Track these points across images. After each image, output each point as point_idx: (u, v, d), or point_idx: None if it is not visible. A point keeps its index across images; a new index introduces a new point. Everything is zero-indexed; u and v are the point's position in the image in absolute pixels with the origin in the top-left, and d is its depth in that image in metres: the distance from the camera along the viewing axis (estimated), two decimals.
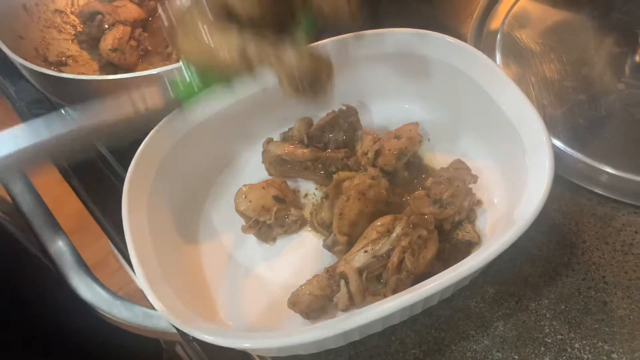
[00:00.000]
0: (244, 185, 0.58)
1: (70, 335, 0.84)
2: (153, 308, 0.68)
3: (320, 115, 0.63)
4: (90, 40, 0.78)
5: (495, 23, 0.78)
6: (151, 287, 0.47)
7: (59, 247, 0.75)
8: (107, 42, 0.75)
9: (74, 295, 0.70)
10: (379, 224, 0.53)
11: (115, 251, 0.98)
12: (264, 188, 0.58)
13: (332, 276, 0.51)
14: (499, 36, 0.76)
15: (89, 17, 0.78)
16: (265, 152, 0.61)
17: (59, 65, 0.76)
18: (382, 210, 0.56)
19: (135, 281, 0.94)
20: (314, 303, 0.52)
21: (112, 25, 0.76)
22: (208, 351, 0.61)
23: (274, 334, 0.45)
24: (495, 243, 0.46)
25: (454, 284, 0.46)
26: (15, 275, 0.81)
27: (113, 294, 0.71)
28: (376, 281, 0.54)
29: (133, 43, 0.76)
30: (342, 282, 0.51)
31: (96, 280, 0.72)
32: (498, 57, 0.73)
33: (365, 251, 0.52)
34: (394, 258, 0.50)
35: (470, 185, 0.56)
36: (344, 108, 0.61)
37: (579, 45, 0.73)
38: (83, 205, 0.75)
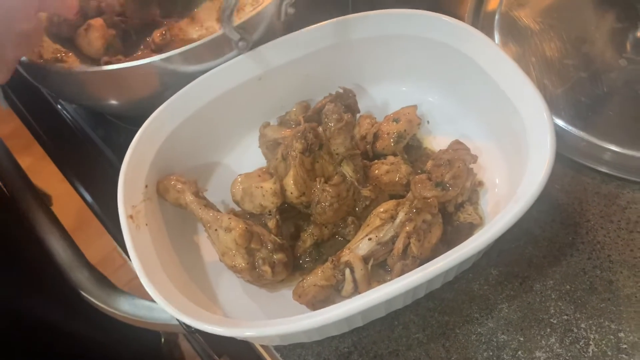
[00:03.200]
0: (239, 175, 0.57)
1: (71, 329, 0.84)
2: (154, 300, 0.68)
3: (317, 98, 0.62)
4: (67, 38, 0.74)
5: (493, 3, 0.77)
6: (150, 279, 0.47)
7: (60, 243, 0.75)
8: (95, 45, 0.71)
9: (75, 289, 0.69)
10: (381, 210, 0.52)
11: (120, 248, 0.97)
12: (259, 176, 0.57)
13: (337, 266, 0.51)
14: (497, 16, 0.75)
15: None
16: (262, 137, 0.61)
17: (55, 62, 0.75)
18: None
19: None
20: (319, 294, 0.51)
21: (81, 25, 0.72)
22: (211, 342, 0.60)
23: (275, 322, 0.44)
24: (497, 224, 0.45)
25: (456, 266, 0.45)
26: (17, 270, 0.81)
27: (115, 287, 0.71)
28: (381, 268, 0.53)
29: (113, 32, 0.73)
30: (347, 271, 0.50)
31: (97, 275, 0.72)
32: (497, 37, 0.72)
33: (370, 239, 0.51)
34: (399, 244, 0.50)
35: (472, 166, 0.55)
36: (341, 91, 0.61)
37: (579, 23, 0.72)
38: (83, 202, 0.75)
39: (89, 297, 0.68)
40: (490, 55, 0.56)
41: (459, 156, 0.55)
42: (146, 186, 0.54)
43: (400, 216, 0.51)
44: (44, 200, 0.77)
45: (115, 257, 1.37)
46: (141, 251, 0.49)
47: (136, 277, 0.95)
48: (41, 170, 0.92)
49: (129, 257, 0.63)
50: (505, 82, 0.54)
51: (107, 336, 0.92)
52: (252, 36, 0.60)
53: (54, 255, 0.72)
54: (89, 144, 0.73)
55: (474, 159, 0.55)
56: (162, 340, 1.17)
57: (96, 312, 0.68)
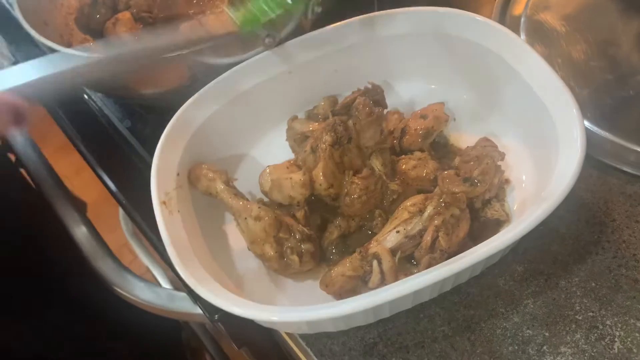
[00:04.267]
0: (268, 167, 0.58)
1: (94, 317, 0.84)
2: (176, 289, 0.69)
3: (344, 93, 0.63)
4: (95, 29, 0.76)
5: (519, 7, 0.77)
6: (183, 263, 0.47)
7: (83, 231, 0.75)
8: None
9: (98, 278, 0.70)
10: (409, 203, 0.53)
11: (132, 242, 0.98)
12: (287, 168, 0.58)
13: (365, 257, 0.51)
14: (522, 19, 0.75)
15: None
16: (289, 130, 0.61)
17: None
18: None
19: (151, 270, 0.94)
20: (347, 284, 0.51)
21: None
22: (232, 332, 0.61)
23: (304, 308, 0.45)
24: (525, 220, 0.46)
25: (484, 260, 0.46)
26: (41, 257, 0.82)
27: (136, 276, 0.71)
28: (408, 262, 0.53)
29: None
30: (375, 262, 0.51)
31: (120, 263, 0.73)
32: (523, 39, 0.73)
33: (398, 231, 0.52)
34: (427, 237, 0.50)
35: (499, 163, 0.55)
36: (370, 86, 0.61)
37: (605, 26, 0.72)
38: (105, 191, 0.75)
39: (114, 287, 0.68)
40: (519, 53, 0.56)
41: (487, 153, 0.55)
42: (178, 174, 0.55)
43: (429, 210, 0.51)
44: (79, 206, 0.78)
45: (125, 253, 1.37)
46: (174, 236, 0.49)
47: (147, 273, 0.96)
48: (58, 161, 0.93)
49: (153, 246, 0.63)
50: (534, 80, 0.54)
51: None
52: (280, 33, 0.61)
53: (79, 245, 0.73)
54: (115, 133, 0.74)
55: (502, 156, 0.56)
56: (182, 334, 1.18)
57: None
